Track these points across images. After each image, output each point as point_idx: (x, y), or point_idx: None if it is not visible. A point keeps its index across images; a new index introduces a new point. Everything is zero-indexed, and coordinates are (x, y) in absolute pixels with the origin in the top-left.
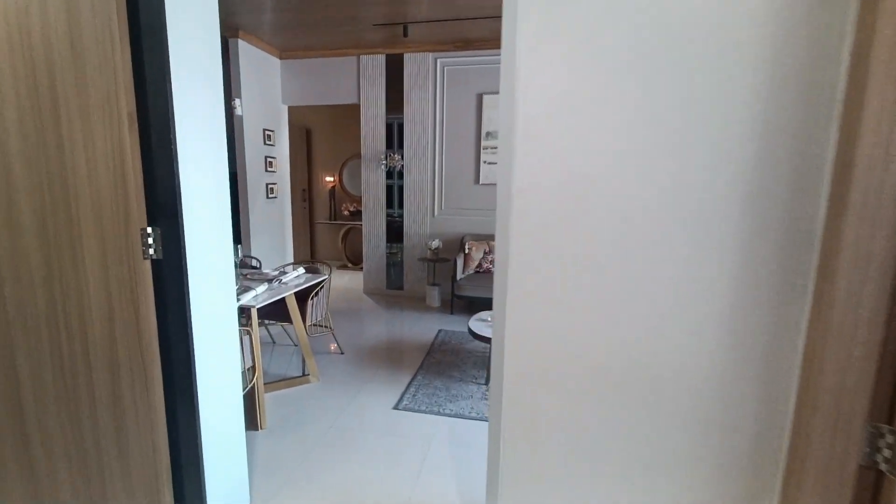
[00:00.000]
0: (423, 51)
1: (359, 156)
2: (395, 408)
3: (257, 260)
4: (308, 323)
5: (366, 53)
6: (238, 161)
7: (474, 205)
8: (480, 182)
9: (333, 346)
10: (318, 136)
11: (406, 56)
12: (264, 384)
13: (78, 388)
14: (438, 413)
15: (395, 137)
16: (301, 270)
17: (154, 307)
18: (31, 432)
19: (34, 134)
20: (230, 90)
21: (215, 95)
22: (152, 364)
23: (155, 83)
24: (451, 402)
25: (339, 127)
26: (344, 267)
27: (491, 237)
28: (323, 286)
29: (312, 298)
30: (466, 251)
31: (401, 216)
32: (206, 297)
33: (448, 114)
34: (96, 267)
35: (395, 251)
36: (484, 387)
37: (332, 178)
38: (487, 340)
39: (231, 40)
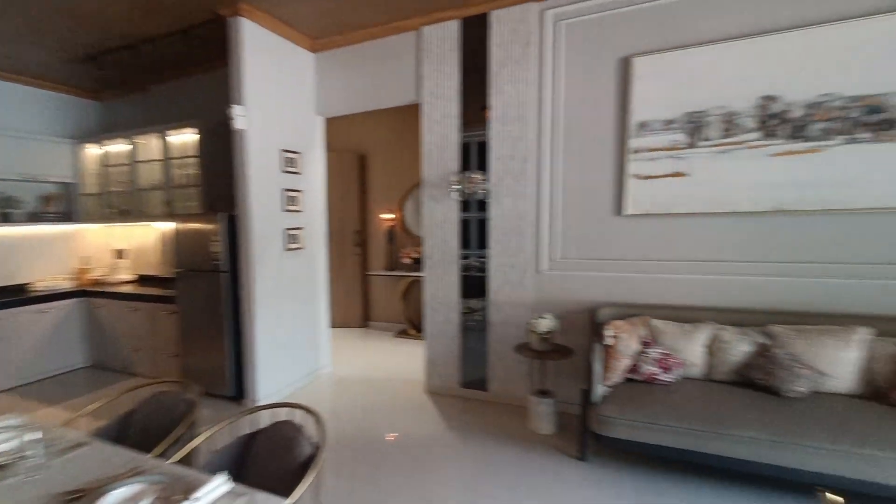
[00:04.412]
0: (524, 0)
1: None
2: None
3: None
4: None
5: (430, 22)
6: (238, 197)
7: (617, 252)
8: (625, 212)
9: None
10: (375, 160)
11: (493, 15)
12: None
13: None
14: None
15: (474, 150)
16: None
17: None
18: None
19: None
20: (227, 93)
21: None
22: None
23: None
24: None
25: (401, 147)
26: (404, 334)
27: (655, 309)
28: None
29: None
30: (609, 340)
31: (481, 267)
32: None
33: (568, 100)
34: None
35: (473, 315)
36: None
37: (390, 216)
38: None
39: (230, 19)
